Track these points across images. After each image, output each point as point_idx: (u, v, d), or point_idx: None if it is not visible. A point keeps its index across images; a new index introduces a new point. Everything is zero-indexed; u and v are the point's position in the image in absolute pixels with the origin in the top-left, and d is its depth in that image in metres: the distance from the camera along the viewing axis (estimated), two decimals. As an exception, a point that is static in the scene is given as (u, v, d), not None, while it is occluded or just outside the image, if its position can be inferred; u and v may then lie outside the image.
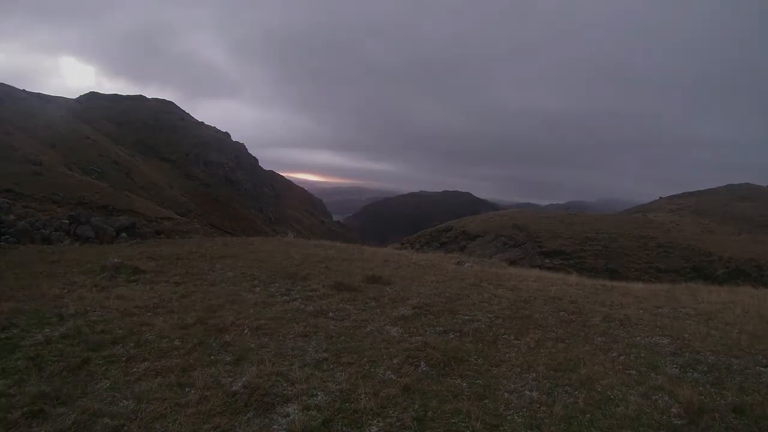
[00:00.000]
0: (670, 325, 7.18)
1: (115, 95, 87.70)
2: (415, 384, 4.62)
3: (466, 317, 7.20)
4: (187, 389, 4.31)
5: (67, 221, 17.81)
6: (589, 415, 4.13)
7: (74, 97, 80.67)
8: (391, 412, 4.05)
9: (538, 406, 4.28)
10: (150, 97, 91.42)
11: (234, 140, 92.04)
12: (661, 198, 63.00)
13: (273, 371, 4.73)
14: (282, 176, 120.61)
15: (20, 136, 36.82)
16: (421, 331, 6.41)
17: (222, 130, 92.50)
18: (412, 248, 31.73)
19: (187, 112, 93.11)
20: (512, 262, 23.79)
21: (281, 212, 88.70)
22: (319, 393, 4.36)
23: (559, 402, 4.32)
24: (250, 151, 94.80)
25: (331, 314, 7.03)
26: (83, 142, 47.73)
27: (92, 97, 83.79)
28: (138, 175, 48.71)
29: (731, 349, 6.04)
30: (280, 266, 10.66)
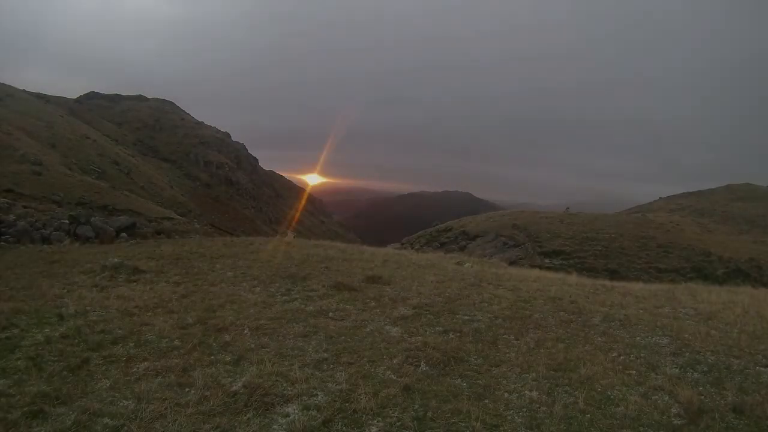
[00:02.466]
0: (670, 325, 7.17)
1: (115, 95, 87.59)
2: (415, 384, 4.62)
3: (466, 317, 7.20)
4: (187, 389, 4.32)
5: (67, 221, 17.82)
6: (589, 415, 4.13)
7: (74, 97, 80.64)
8: (391, 412, 4.05)
9: (538, 406, 4.28)
10: (150, 96, 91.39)
11: (234, 140, 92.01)
12: (660, 198, 63.00)
13: (273, 371, 4.73)
14: (282, 176, 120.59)
15: (20, 136, 36.79)
16: (421, 331, 6.40)
17: (222, 129, 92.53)
18: (412, 248, 31.74)
19: (187, 112, 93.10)
20: (512, 262, 23.79)
21: (281, 212, 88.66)
22: (319, 393, 4.36)
23: (559, 402, 4.32)
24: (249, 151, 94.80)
25: (331, 314, 7.03)
26: (83, 142, 47.68)
27: (92, 96, 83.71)
28: (138, 175, 48.67)
29: (731, 349, 6.04)
30: (280, 266, 10.66)
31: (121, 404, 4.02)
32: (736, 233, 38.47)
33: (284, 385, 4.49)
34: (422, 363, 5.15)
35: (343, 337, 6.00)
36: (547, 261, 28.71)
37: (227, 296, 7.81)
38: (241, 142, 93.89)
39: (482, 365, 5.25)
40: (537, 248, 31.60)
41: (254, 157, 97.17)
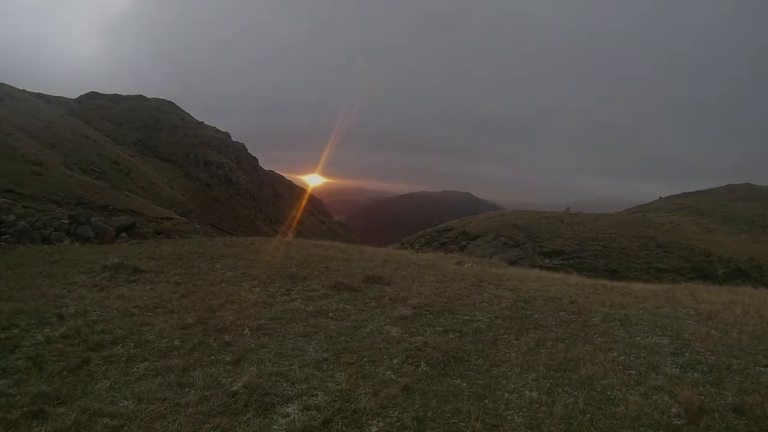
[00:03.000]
0: (670, 325, 7.18)
1: (115, 95, 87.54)
2: (415, 384, 4.62)
3: (466, 317, 7.20)
4: (187, 389, 4.32)
5: (67, 221, 17.82)
6: (589, 415, 4.13)
7: (74, 97, 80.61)
8: (391, 412, 4.05)
9: (538, 406, 4.28)
10: (150, 96, 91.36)
11: (234, 140, 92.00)
12: (661, 198, 62.98)
13: (273, 371, 4.73)
14: (282, 176, 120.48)
15: (20, 136, 36.79)
16: (421, 331, 6.41)
17: (222, 129, 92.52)
18: (412, 248, 31.72)
19: (187, 112, 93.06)
20: (512, 262, 23.76)
21: (281, 212, 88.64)
22: (319, 393, 4.36)
23: (559, 402, 4.32)
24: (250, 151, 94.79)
25: (331, 314, 7.04)
26: (83, 142, 47.67)
27: (92, 96, 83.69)
28: (138, 175, 48.67)
29: (731, 349, 6.04)
30: (280, 266, 10.67)
31: (121, 404, 4.02)
32: (736, 233, 38.45)
33: (284, 385, 4.49)
34: (422, 363, 5.15)
35: (343, 337, 6.00)
36: (547, 261, 28.69)
37: (227, 296, 7.81)
38: (241, 142, 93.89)
39: (482, 365, 5.25)
40: (537, 248, 31.59)
41: (254, 157, 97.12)
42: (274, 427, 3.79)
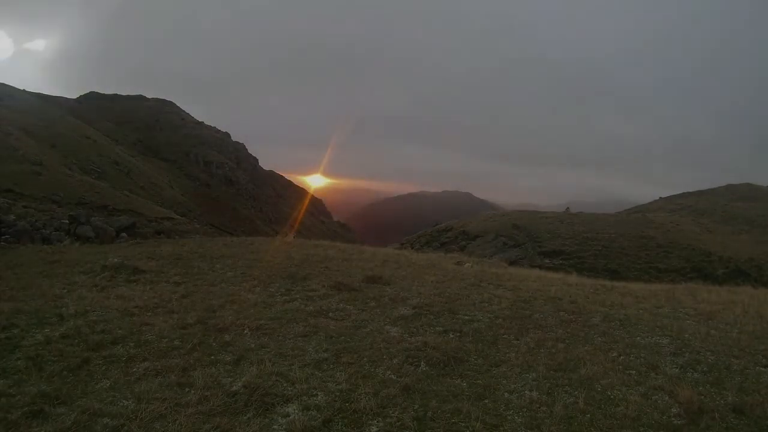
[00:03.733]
0: (670, 325, 7.18)
1: (115, 95, 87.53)
2: (415, 384, 4.62)
3: (466, 317, 7.20)
4: (187, 389, 4.32)
5: (67, 221, 17.81)
6: (589, 415, 4.13)
7: (74, 97, 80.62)
8: (391, 412, 4.05)
9: (538, 406, 4.28)
10: (150, 96, 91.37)
11: (234, 140, 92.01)
12: (661, 198, 62.96)
13: (273, 371, 4.74)
14: (282, 176, 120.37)
15: (20, 136, 36.79)
16: (421, 331, 6.41)
17: (222, 129, 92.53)
18: (412, 248, 31.71)
19: (187, 112, 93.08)
20: (512, 262, 23.76)
21: (281, 212, 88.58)
22: (319, 393, 4.36)
23: (559, 402, 4.32)
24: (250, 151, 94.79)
25: (331, 314, 7.04)
26: (83, 142, 47.66)
27: (92, 96, 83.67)
28: (138, 175, 48.65)
29: (731, 349, 6.05)
30: (280, 266, 10.66)
31: (121, 404, 4.02)
32: (736, 233, 38.46)
33: (284, 385, 4.49)
34: (422, 363, 5.15)
35: (343, 337, 6.00)
36: (547, 261, 28.70)
37: (227, 296, 7.81)
38: (241, 142, 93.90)
39: (482, 365, 5.26)
40: (537, 248, 31.60)
41: (254, 157, 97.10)
42: (274, 427, 3.79)
